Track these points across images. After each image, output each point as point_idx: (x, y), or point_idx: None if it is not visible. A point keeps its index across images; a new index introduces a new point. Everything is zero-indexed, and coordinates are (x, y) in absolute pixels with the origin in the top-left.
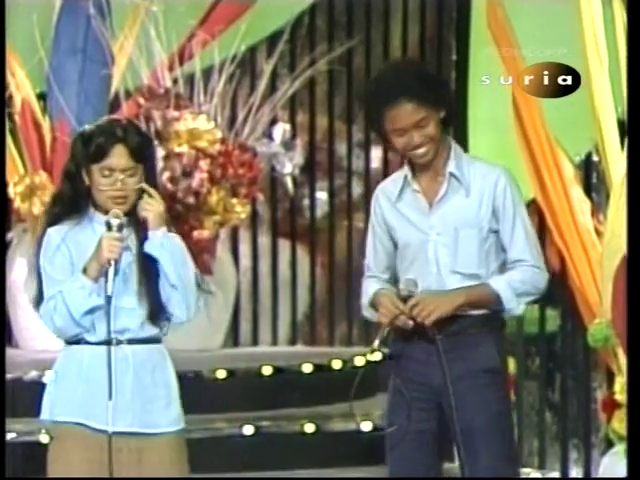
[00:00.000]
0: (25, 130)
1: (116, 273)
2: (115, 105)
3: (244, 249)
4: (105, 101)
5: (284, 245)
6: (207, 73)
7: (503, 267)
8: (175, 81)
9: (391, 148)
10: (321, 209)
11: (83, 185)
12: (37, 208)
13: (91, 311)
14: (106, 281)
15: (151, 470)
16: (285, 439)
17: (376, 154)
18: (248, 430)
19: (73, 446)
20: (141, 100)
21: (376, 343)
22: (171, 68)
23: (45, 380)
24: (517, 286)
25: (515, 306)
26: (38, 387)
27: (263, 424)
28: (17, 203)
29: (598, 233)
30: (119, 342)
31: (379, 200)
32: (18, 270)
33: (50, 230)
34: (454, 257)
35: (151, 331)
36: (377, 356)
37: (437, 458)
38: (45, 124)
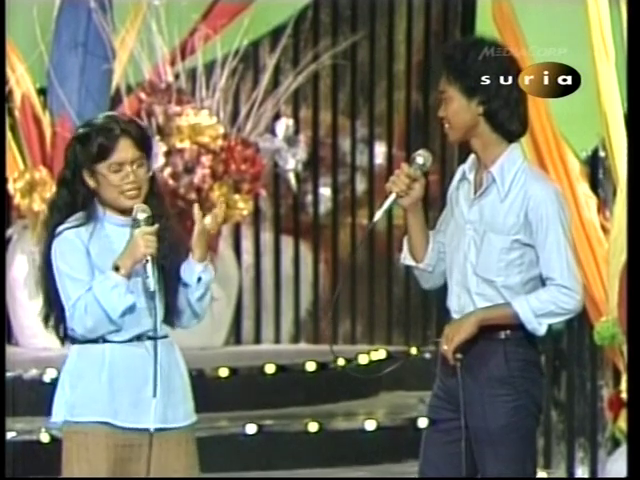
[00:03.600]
0: (25, 125)
1: (153, 267)
2: (116, 100)
3: (247, 246)
4: (106, 96)
5: (287, 242)
6: (209, 68)
7: (534, 281)
8: (177, 76)
9: None
10: (324, 205)
11: (87, 190)
12: (37, 204)
13: (128, 310)
14: (146, 277)
15: (168, 464)
16: (288, 438)
17: (380, 150)
18: (251, 429)
19: (99, 446)
20: (142, 95)
21: (378, 214)
22: (173, 63)
23: (46, 379)
24: (538, 306)
25: (536, 327)
26: (38, 385)
27: (266, 423)
28: (17, 199)
29: (604, 229)
30: (139, 338)
31: (454, 178)
32: (18, 267)
33: (66, 233)
34: (477, 258)
35: (165, 330)
36: (381, 354)
37: (468, 457)
38: (45, 119)
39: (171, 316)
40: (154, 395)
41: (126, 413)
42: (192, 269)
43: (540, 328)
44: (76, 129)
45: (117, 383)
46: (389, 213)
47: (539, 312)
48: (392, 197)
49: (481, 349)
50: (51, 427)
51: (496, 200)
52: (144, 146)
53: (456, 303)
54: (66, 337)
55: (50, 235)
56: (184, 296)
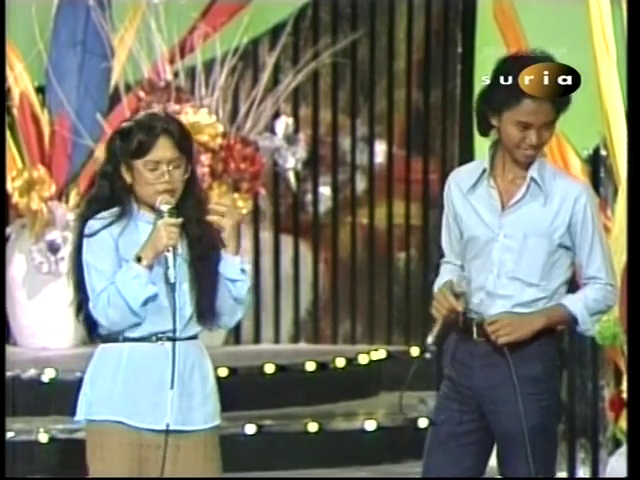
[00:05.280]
0: (24, 124)
1: (174, 259)
2: (115, 99)
3: (246, 245)
4: (105, 94)
5: (287, 241)
6: (209, 66)
7: (568, 283)
8: (176, 74)
9: (484, 130)
10: (324, 204)
11: (123, 184)
12: (35, 203)
13: (149, 300)
14: (167, 268)
15: (186, 467)
16: (288, 438)
17: (380, 148)
18: (250, 429)
19: (112, 445)
20: (141, 93)
21: (430, 339)
22: (172, 61)
23: (44, 379)
24: (592, 306)
25: (590, 326)
26: (37, 385)
27: (265, 423)
28: (15, 198)
29: (606, 229)
30: (159, 339)
31: (451, 188)
32: (16, 266)
33: (92, 223)
34: (518, 263)
35: (194, 330)
36: (381, 354)
37: (476, 459)
38: (44, 118)
39: (207, 317)
40: (171, 387)
41: (142, 414)
42: (232, 263)
43: (592, 328)
44: (121, 122)
45: (133, 383)
46: (389, 213)
47: (592, 311)
48: (440, 324)
49: (513, 348)
50: (76, 426)
51: (539, 204)
52: (184, 147)
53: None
54: (93, 333)
55: (82, 228)
56: (229, 294)
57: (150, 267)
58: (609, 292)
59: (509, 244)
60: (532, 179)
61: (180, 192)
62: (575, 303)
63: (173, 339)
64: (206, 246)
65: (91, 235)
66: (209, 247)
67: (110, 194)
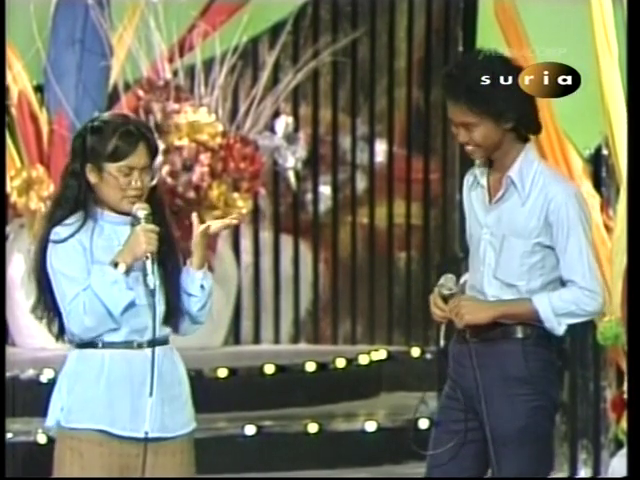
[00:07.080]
0: (22, 123)
1: (153, 264)
2: (114, 97)
3: (246, 245)
4: (104, 93)
5: (286, 241)
6: (208, 65)
7: (554, 284)
8: (175, 73)
9: None
10: (324, 204)
11: (87, 184)
12: (34, 203)
13: (129, 306)
14: (146, 274)
15: (164, 474)
16: (288, 439)
17: (380, 147)
18: (250, 430)
19: (93, 454)
20: (140, 92)
21: (441, 342)
22: (171, 60)
23: (43, 379)
24: (559, 305)
25: (555, 326)
26: (36, 386)
27: (265, 424)
28: (14, 198)
29: (608, 229)
30: (140, 345)
31: (464, 183)
32: (15, 266)
33: (58, 229)
34: (497, 262)
35: (164, 331)
36: (381, 355)
37: (476, 459)
38: (42, 117)
39: (173, 319)
40: (150, 394)
41: (123, 421)
42: (193, 278)
43: (559, 327)
44: (89, 121)
45: (115, 390)
46: (390, 212)
47: (560, 311)
48: (443, 326)
49: (499, 348)
50: (45, 430)
51: (516, 204)
52: (154, 154)
53: None
54: (61, 334)
55: (48, 232)
56: (186, 305)
57: (128, 272)
58: (585, 296)
59: (493, 242)
60: (510, 178)
61: (145, 197)
62: (541, 299)
63: (153, 344)
64: (169, 248)
65: (58, 242)
66: (171, 249)
67: (76, 194)
